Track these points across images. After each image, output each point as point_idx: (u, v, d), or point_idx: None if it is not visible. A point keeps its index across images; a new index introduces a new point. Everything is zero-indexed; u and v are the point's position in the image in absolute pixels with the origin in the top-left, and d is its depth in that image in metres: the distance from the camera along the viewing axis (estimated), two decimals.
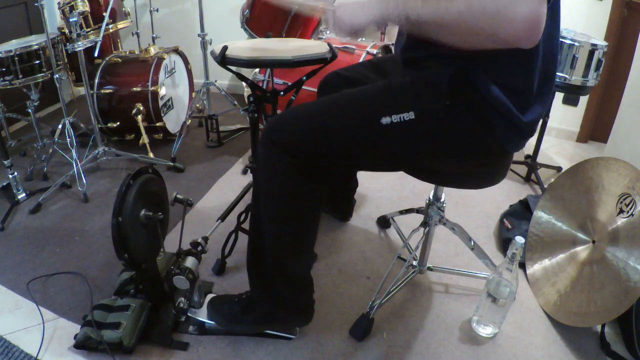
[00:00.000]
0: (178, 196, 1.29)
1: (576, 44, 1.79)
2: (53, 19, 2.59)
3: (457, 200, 1.94)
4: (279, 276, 1.08)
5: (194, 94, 2.60)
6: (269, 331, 1.23)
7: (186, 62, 2.51)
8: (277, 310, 1.14)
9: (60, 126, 2.05)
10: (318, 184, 0.99)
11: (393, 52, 1.34)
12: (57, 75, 1.91)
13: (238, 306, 1.19)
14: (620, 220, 1.25)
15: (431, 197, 1.34)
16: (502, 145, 0.91)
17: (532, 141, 1.46)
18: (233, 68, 1.19)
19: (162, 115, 2.21)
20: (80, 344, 1.16)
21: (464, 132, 0.89)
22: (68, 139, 1.93)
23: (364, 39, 2.19)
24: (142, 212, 1.16)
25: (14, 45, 1.89)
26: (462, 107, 0.87)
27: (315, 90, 1.35)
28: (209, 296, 1.31)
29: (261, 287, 1.14)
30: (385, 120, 0.89)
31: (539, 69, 0.85)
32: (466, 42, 0.75)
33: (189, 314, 1.27)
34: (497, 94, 0.85)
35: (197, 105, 2.63)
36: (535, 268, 1.45)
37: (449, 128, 0.89)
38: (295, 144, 0.93)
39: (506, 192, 2.01)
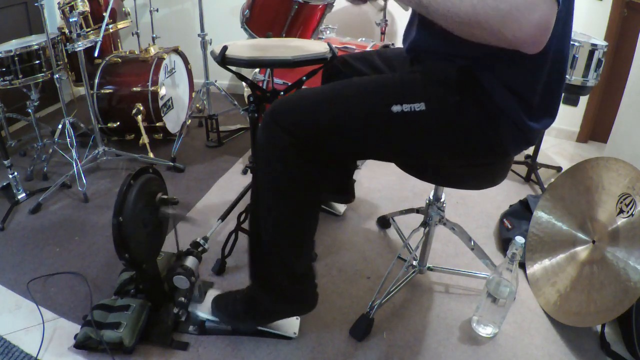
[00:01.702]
0: (163, 197, 1.26)
1: (576, 44, 1.79)
2: (53, 19, 2.60)
3: (457, 200, 1.94)
4: (279, 269, 1.08)
5: (194, 94, 2.60)
6: (270, 330, 1.23)
7: (186, 62, 2.51)
8: (278, 303, 1.14)
9: (60, 126, 2.05)
10: (318, 169, 0.98)
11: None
12: (57, 75, 1.91)
13: (241, 304, 1.19)
14: (620, 220, 1.25)
15: (431, 197, 1.34)
16: (504, 146, 0.92)
17: None
18: (233, 68, 1.19)
19: (162, 115, 2.21)
20: (80, 344, 1.16)
21: (470, 129, 0.90)
22: (68, 139, 1.92)
23: (363, 39, 2.19)
24: (146, 211, 1.16)
25: (14, 45, 1.88)
26: (471, 104, 0.88)
27: None
28: (211, 292, 1.31)
29: (262, 281, 1.13)
30: (396, 108, 0.89)
31: (545, 77, 0.85)
32: (472, 35, 0.75)
33: (189, 309, 1.27)
34: (504, 95, 0.85)
35: (197, 105, 2.63)
36: (535, 268, 1.45)
37: (457, 123, 0.90)
38: (300, 127, 0.92)
39: (506, 192, 2.02)
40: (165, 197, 1.24)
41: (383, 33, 2.53)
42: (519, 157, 2.24)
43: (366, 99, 0.93)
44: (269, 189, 1.00)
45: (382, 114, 0.90)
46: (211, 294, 1.30)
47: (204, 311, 1.26)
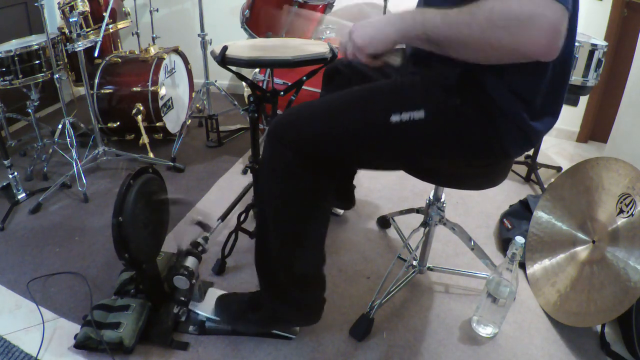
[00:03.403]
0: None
1: (576, 44, 1.78)
2: (53, 19, 2.60)
3: (457, 200, 1.94)
4: (286, 276, 1.08)
5: (194, 94, 2.60)
6: (272, 331, 1.23)
7: (186, 62, 2.51)
8: (285, 310, 1.14)
9: (60, 126, 2.05)
10: (323, 182, 0.98)
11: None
12: (57, 75, 1.91)
13: (246, 305, 1.19)
14: (620, 220, 1.25)
15: (431, 197, 1.34)
16: (506, 148, 0.91)
17: None
18: (233, 68, 1.19)
19: (162, 115, 2.21)
20: (80, 344, 1.16)
21: (471, 132, 0.89)
22: (68, 139, 1.93)
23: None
24: (144, 212, 1.16)
25: (14, 45, 1.89)
26: (471, 108, 0.87)
27: (316, 90, 1.35)
28: (213, 290, 1.30)
29: (269, 287, 1.13)
30: (395, 118, 0.89)
31: (548, 78, 0.85)
32: (487, 58, 0.75)
33: (190, 308, 1.27)
34: (507, 98, 0.85)
35: (197, 105, 2.63)
36: (535, 268, 1.45)
37: (457, 127, 0.89)
38: (302, 142, 0.93)
39: (506, 192, 2.01)
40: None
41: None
42: (519, 157, 2.23)
43: (365, 111, 0.93)
44: (275, 202, 1.00)
45: (382, 126, 0.90)
46: (212, 292, 1.30)
47: (204, 310, 1.26)
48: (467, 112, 0.88)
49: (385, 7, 2.48)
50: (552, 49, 0.68)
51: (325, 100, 0.98)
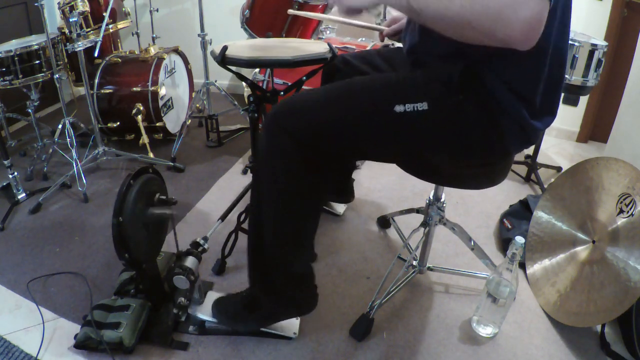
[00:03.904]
0: (161, 197, 1.26)
1: (576, 44, 1.79)
2: (53, 19, 2.59)
3: (457, 200, 1.94)
4: (279, 272, 1.08)
5: (194, 94, 2.60)
6: (270, 330, 1.23)
7: (186, 62, 2.51)
8: (279, 305, 1.14)
9: (60, 126, 2.05)
10: (321, 172, 0.98)
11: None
12: (57, 75, 1.91)
13: (241, 305, 1.19)
14: (620, 220, 1.25)
15: (431, 197, 1.34)
16: (505, 145, 0.92)
17: None
18: (233, 68, 1.19)
19: (162, 115, 2.21)
20: (80, 344, 1.16)
21: (472, 128, 0.90)
22: (68, 139, 1.93)
23: (363, 39, 2.19)
24: (148, 210, 1.16)
25: (14, 45, 1.89)
26: (473, 104, 0.88)
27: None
28: (211, 294, 1.31)
29: (262, 284, 1.13)
30: (399, 108, 0.89)
31: (545, 77, 0.85)
32: (463, 35, 0.76)
33: (189, 311, 1.27)
34: (507, 95, 0.85)
35: (197, 105, 2.63)
36: (535, 268, 1.45)
37: (459, 123, 0.90)
38: (302, 129, 0.92)
39: (506, 192, 2.01)
40: (163, 197, 1.24)
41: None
42: (519, 157, 2.24)
43: (369, 100, 0.93)
44: (271, 191, 1.00)
45: (385, 115, 0.90)
46: (211, 296, 1.30)
47: (204, 313, 1.26)
48: (468, 109, 0.88)
49: (384, 6, 2.48)
50: (529, 38, 0.69)
51: (326, 89, 0.97)
